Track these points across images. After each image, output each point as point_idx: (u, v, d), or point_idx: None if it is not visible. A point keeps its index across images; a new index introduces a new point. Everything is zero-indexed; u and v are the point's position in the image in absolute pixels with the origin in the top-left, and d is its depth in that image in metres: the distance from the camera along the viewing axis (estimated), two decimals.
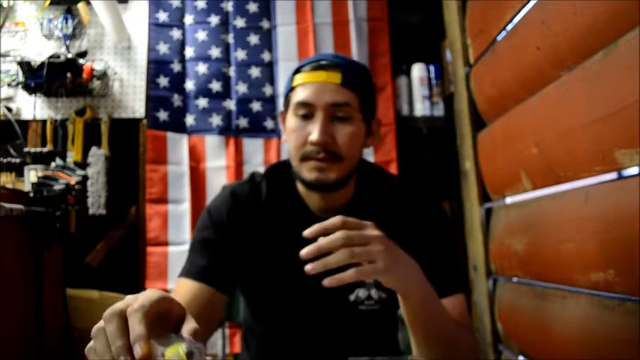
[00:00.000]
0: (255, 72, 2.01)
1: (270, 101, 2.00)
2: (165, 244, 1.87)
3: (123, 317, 0.45)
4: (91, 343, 0.46)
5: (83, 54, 1.95)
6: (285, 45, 2.04)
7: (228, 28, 2.05)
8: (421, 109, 1.97)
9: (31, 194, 1.61)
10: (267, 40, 2.05)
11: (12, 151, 1.87)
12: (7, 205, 1.34)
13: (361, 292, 0.87)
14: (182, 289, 0.82)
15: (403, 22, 2.09)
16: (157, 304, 0.47)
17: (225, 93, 2.00)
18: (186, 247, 1.81)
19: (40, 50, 1.95)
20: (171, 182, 1.91)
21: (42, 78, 1.83)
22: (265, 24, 2.06)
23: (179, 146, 1.94)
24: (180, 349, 0.44)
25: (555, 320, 1.16)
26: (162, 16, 2.03)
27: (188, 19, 2.04)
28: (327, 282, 0.61)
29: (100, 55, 2.00)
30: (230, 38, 2.04)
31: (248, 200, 0.90)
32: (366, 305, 0.87)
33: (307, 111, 0.82)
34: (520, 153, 1.32)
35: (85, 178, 1.82)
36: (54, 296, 1.68)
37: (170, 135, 1.94)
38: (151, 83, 1.98)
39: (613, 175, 0.99)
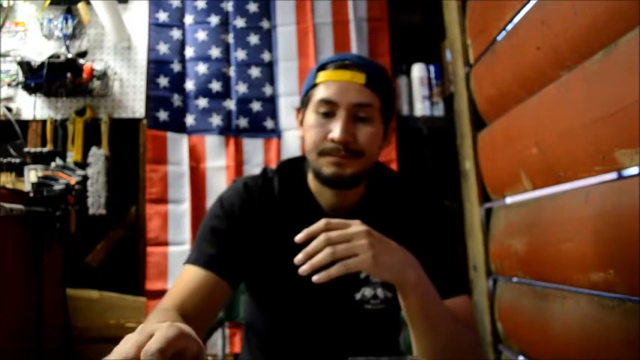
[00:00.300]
0: (255, 72, 2.01)
1: (270, 101, 2.01)
2: (165, 244, 1.87)
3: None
4: None
5: (83, 54, 1.95)
6: (285, 45, 2.04)
7: (228, 28, 2.05)
8: (421, 109, 1.97)
9: (31, 194, 1.61)
10: (267, 40, 2.05)
11: (12, 151, 1.87)
12: (7, 205, 1.35)
13: (367, 291, 0.87)
14: (188, 276, 0.82)
15: (403, 22, 2.09)
16: (175, 344, 0.44)
17: (225, 93, 2.00)
18: (187, 247, 1.84)
19: (40, 50, 1.96)
20: (171, 182, 1.91)
21: (42, 78, 1.83)
22: (265, 24, 2.06)
23: (179, 146, 1.94)
24: None
25: (555, 320, 1.16)
26: (163, 16, 2.03)
27: (188, 19, 2.04)
28: (315, 278, 0.64)
29: (100, 55, 2.00)
30: (230, 38, 2.04)
31: (261, 194, 0.90)
32: (372, 304, 0.87)
33: (329, 109, 0.82)
34: (520, 153, 1.32)
35: (85, 178, 1.82)
36: (54, 296, 1.68)
37: (170, 135, 1.94)
38: (151, 83, 1.98)
39: (613, 175, 0.99)
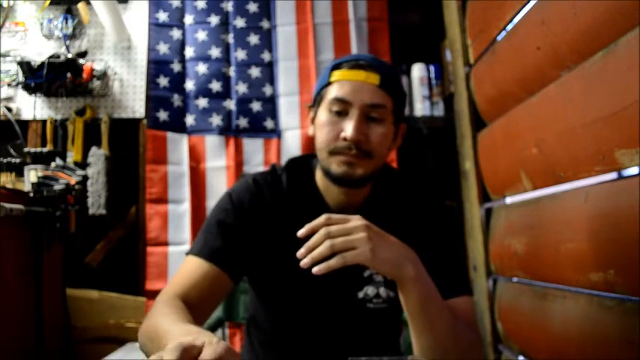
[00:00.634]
0: (255, 72, 2.01)
1: (270, 101, 2.01)
2: (165, 244, 1.86)
3: None
4: None
5: (83, 54, 1.96)
6: (285, 45, 2.04)
7: (228, 28, 2.05)
8: (421, 109, 1.97)
9: (31, 194, 1.61)
10: (267, 40, 2.05)
11: (12, 151, 1.87)
12: (7, 205, 1.35)
13: (370, 290, 0.87)
14: (190, 266, 0.82)
15: (403, 22, 2.09)
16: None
17: (225, 93, 2.00)
18: (187, 247, 1.84)
19: (40, 50, 1.96)
20: (171, 182, 1.91)
21: (42, 78, 1.83)
22: (265, 24, 2.06)
23: (179, 146, 1.94)
24: None
25: (555, 320, 1.16)
26: (162, 16, 2.03)
27: (188, 19, 2.04)
28: (315, 269, 0.65)
29: (100, 55, 2.00)
30: (230, 38, 2.04)
31: (269, 190, 0.91)
32: (374, 303, 0.87)
33: (342, 108, 0.82)
34: (520, 153, 1.32)
35: (85, 178, 1.82)
36: (54, 296, 1.68)
37: (170, 135, 1.94)
38: (151, 83, 1.98)
39: (613, 175, 0.99)
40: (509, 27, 1.38)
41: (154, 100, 1.96)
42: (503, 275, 1.52)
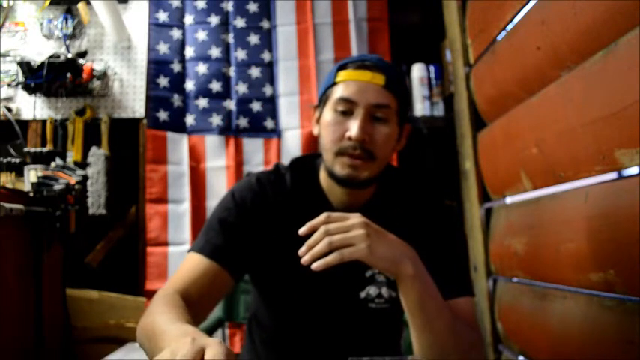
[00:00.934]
0: (255, 72, 2.01)
1: (270, 101, 2.01)
2: (165, 244, 1.86)
3: None
4: None
5: (83, 54, 1.96)
6: (285, 45, 2.04)
7: (228, 28, 2.05)
8: (421, 109, 1.97)
9: (31, 194, 1.61)
10: (267, 40, 2.05)
11: (12, 151, 1.87)
12: (7, 205, 1.35)
13: (372, 290, 0.88)
14: (191, 263, 0.83)
15: (403, 22, 2.09)
16: None
17: (225, 93, 2.00)
18: (187, 247, 1.84)
19: (40, 50, 1.96)
20: (171, 182, 1.91)
21: (42, 78, 1.83)
22: (265, 24, 2.06)
23: (179, 146, 1.94)
24: None
25: (555, 320, 1.16)
26: (162, 16, 2.03)
27: (188, 19, 2.04)
28: (314, 265, 0.66)
29: (100, 55, 2.00)
30: (230, 38, 2.04)
31: (273, 189, 0.91)
32: (376, 303, 0.88)
33: (348, 107, 0.83)
34: (520, 153, 1.32)
35: (85, 178, 1.82)
36: (54, 296, 1.68)
37: (170, 135, 1.94)
38: (151, 83, 1.98)
39: (613, 175, 0.99)
40: (509, 27, 1.38)
41: (154, 100, 1.96)
42: (503, 275, 1.52)
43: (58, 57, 1.86)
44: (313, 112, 0.92)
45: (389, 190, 0.92)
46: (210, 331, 1.22)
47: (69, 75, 1.85)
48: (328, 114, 0.85)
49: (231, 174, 1.92)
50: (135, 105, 1.97)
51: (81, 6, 1.97)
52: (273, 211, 0.90)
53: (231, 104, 2.00)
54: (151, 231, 1.86)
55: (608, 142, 0.93)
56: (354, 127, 0.80)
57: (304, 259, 0.67)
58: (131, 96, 1.98)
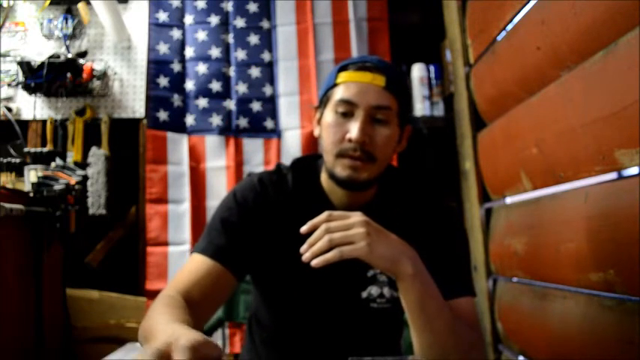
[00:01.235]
0: (255, 72, 2.01)
1: (270, 101, 2.00)
2: (165, 244, 1.86)
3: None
4: None
5: (83, 54, 1.96)
6: (285, 45, 2.04)
7: (228, 28, 2.05)
8: (421, 109, 1.97)
9: (31, 194, 1.61)
10: (267, 40, 2.05)
11: (12, 151, 1.87)
12: (7, 205, 1.35)
13: (374, 290, 0.88)
14: (195, 264, 0.83)
15: (403, 22, 2.09)
16: (201, 348, 0.49)
17: (225, 93, 2.00)
18: (187, 247, 1.84)
19: (40, 50, 1.96)
20: (171, 182, 1.91)
21: (42, 78, 1.83)
22: (265, 24, 2.06)
23: (179, 146, 1.94)
24: None
25: (555, 320, 1.16)
26: (162, 16, 2.03)
27: (188, 19, 2.04)
28: (314, 262, 0.67)
29: (100, 55, 2.00)
30: (230, 38, 2.04)
31: (274, 189, 0.91)
32: (378, 303, 0.88)
33: (348, 109, 0.83)
34: (520, 153, 1.32)
35: (85, 178, 1.82)
36: (54, 296, 1.68)
37: (170, 135, 1.94)
38: (151, 83, 1.98)
39: (613, 175, 0.99)
40: (509, 27, 1.38)
41: (154, 100, 1.96)
42: (504, 275, 1.52)
43: (58, 57, 1.86)
44: (314, 113, 0.92)
45: (390, 190, 0.92)
46: (210, 331, 1.22)
47: (69, 75, 1.85)
48: (329, 115, 0.85)
49: (231, 174, 1.92)
50: (135, 105, 1.97)
51: (81, 6, 1.97)
52: (275, 211, 0.90)
53: (231, 104, 2.00)
54: (151, 231, 1.86)
55: (608, 142, 0.93)
56: (354, 129, 0.80)
57: (305, 257, 0.68)
58: (131, 96, 1.98)
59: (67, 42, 1.96)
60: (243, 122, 1.98)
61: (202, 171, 1.94)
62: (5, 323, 1.37)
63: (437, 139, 1.95)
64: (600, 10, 0.94)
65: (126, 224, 1.93)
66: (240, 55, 2.02)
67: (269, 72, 2.02)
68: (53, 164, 1.80)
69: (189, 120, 1.97)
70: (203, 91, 1.98)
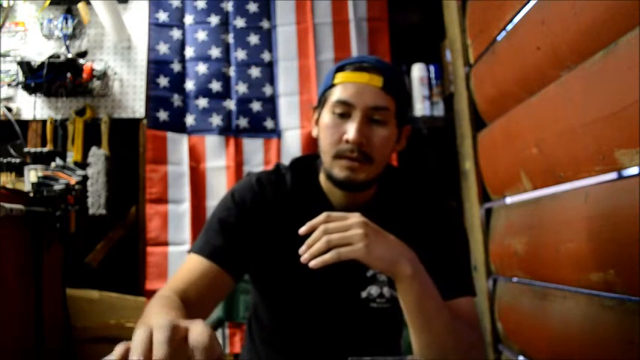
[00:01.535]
0: (255, 72, 2.01)
1: (270, 101, 2.00)
2: (165, 244, 1.86)
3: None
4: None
5: (83, 54, 1.95)
6: (285, 45, 2.04)
7: (228, 28, 2.05)
8: (421, 109, 1.97)
9: (31, 194, 1.61)
10: (267, 40, 2.05)
11: (12, 151, 1.87)
12: (7, 205, 1.35)
13: (373, 290, 0.88)
14: (191, 264, 0.83)
15: (403, 22, 2.09)
16: (212, 345, 0.48)
17: (225, 93, 2.00)
18: (187, 247, 1.84)
19: (40, 50, 1.96)
20: (171, 182, 1.91)
21: (42, 78, 1.83)
22: (265, 24, 2.06)
23: (179, 146, 1.94)
24: None
25: (555, 320, 1.16)
26: (162, 16, 2.03)
27: (188, 19, 2.04)
28: (312, 263, 0.67)
29: (100, 55, 2.00)
30: (230, 38, 2.04)
31: (273, 189, 0.91)
32: (378, 303, 0.88)
33: (345, 110, 0.83)
34: (520, 153, 1.32)
35: (85, 178, 1.82)
36: (54, 296, 1.68)
37: (170, 135, 1.94)
38: (151, 83, 1.98)
39: (613, 175, 0.99)
40: (509, 27, 1.38)
41: (154, 100, 1.96)
42: (504, 275, 1.52)
43: (58, 57, 1.86)
44: (312, 113, 0.92)
45: (389, 190, 0.92)
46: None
47: (69, 75, 1.85)
48: (326, 116, 0.85)
49: (231, 174, 1.92)
50: (135, 105, 1.97)
51: (81, 6, 1.97)
52: (274, 211, 0.90)
53: (231, 104, 2.00)
54: (151, 231, 1.86)
55: (608, 142, 0.93)
56: (351, 130, 0.80)
57: (303, 258, 0.68)
58: (131, 96, 1.98)
59: (67, 42, 1.96)
60: (243, 122, 1.98)
61: (202, 171, 1.94)
62: (5, 323, 1.37)
63: (437, 139, 1.95)
64: (600, 10, 0.94)
65: (126, 224, 1.93)
66: (240, 55, 2.02)
67: (269, 72, 2.02)
68: (53, 164, 1.80)
69: (189, 120, 1.97)
70: (203, 91, 1.98)
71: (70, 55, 1.88)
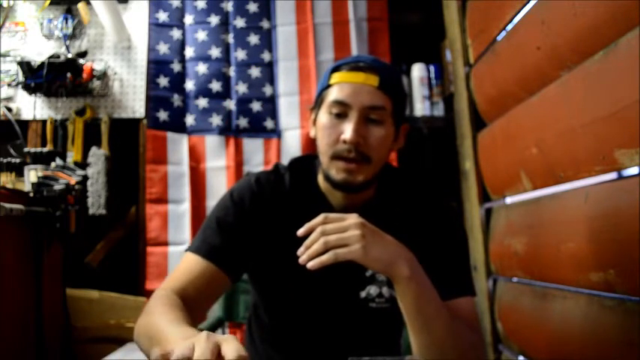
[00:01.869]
0: (255, 72, 2.01)
1: (270, 101, 2.00)
2: (165, 244, 1.87)
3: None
4: None
5: (83, 54, 1.95)
6: (285, 45, 2.04)
7: (228, 28, 2.05)
8: (421, 109, 1.97)
9: (31, 194, 1.61)
10: (267, 40, 2.05)
11: (12, 151, 1.87)
12: (7, 205, 1.35)
13: (372, 290, 0.88)
14: (188, 263, 0.83)
15: (403, 22, 2.09)
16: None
17: (225, 93, 2.00)
18: (186, 247, 1.84)
19: (40, 50, 1.96)
20: (171, 182, 1.91)
21: (42, 78, 1.83)
22: (265, 24, 2.06)
23: (179, 146, 1.94)
24: None
25: (555, 320, 1.16)
26: (162, 16, 2.03)
27: (188, 19, 2.04)
28: (310, 264, 0.67)
29: (100, 55, 2.00)
30: (230, 38, 2.04)
31: (272, 189, 0.91)
32: (377, 303, 0.88)
33: (342, 110, 0.83)
34: (520, 153, 1.32)
35: (85, 178, 1.82)
36: (54, 296, 1.68)
37: (170, 135, 1.94)
38: (151, 83, 1.98)
39: (613, 175, 0.99)
40: (509, 27, 1.38)
41: (154, 100, 1.96)
42: (504, 275, 1.52)
43: (58, 57, 1.86)
44: (310, 114, 0.92)
45: (389, 190, 0.92)
46: (210, 331, 1.21)
47: (69, 75, 1.85)
48: (323, 117, 0.85)
49: (231, 174, 1.92)
50: (135, 105, 1.97)
51: (81, 6, 1.97)
52: (272, 211, 0.90)
53: (231, 104, 2.00)
54: (151, 231, 1.86)
55: (608, 142, 0.93)
56: (348, 130, 0.80)
57: (301, 259, 0.68)
58: (131, 96, 1.98)
59: (67, 42, 1.96)
60: (243, 122, 1.98)
61: (202, 171, 1.94)
62: (5, 323, 1.37)
63: (437, 139, 1.95)
64: (600, 10, 0.94)
65: (126, 224, 1.93)
66: (240, 55, 2.02)
67: (269, 72, 2.02)
68: (53, 164, 1.80)
69: (189, 120, 1.97)
70: (203, 91, 1.98)
71: (70, 55, 1.88)
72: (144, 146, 1.93)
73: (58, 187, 1.66)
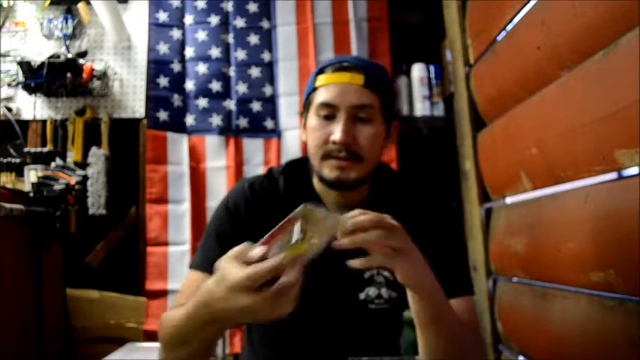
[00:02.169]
0: (255, 72, 2.01)
1: (270, 101, 2.00)
2: (165, 244, 1.86)
3: None
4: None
5: (83, 54, 1.95)
6: (285, 45, 2.04)
7: (228, 28, 2.05)
8: (421, 109, 1.97)
9: (31, 194, 1.61)
10: (267, 40, 2.05)
11: (12, 151, 1.87)
12: (7, 205, 1.35)
13: (372, 291, 0.88)
14: (193, 281, 0.83)
15: (403, 22, 2.09)
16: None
17: (225, 93, 2.00)
18: (187, 247, 1.85)
19: (40, 50, 1.95)
20: (171, 182, 1.91)
21: (42, 78, 1.83)
22: (265, 24, 2.06)
23: (179, 146, 1.94)
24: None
25: (555, 320, 1.16)
26: (162, 16, 2.03)
27: (188, 19, 2.04)
28: (353, 263, 0.63)
29: (100, 55, 2.00)
30: (230, 38, 2.04)
31: (266, 194, 0.91)
32: (376, 304, 0.88)
33: (330, 112, 0.83)
34: (520, 153, 1.32)
35: (85, 178, 1.82)
36: (54, 296, 1.68)
37: (170, 135, 1.94)
38: (151, 83, 1.98)
39: (613, 175, 0.99)
40: (509, 27, 1.38)
41: (154, 100, 1.96)
42: (504, 275, 1.52)
43: (58, 57, 1.86)
44: (300, 118, 0.92)
45: (383, 188, 0.92)
46: None
47: (69, 75, 1.85)
48: (312, 120, 0.85)
49: (231, 174, 1.92)
50: (135, 105, 1.97)
51: (81, 6, 1.97)
52: (268, 216, 0.89)
53: (231, 104, 2.00)
54: (151, 231, 1.86)
55: (608, 142, 0.93)
56: (337, 131, 0.80)
57: (342, 243, 0.63)
58: (131, 96, 1.98)
59: (67, 42, 1.96)
60: (243, 122, 1.98)
61: (202, 171, 1.94)
62: (5, 323, 1.37)
63: (437, 139, 1.95)
64: (600, 10, 0.94)
65: (126, 224, 1.93)
66: (240, 55, 2.02)
67: (269, 72, 2.02)
68: (53, 164, 1.80)
69: (189, 120, 1.97)
70: (203, 91, 1.98)
71: (70, 55, 1.88)
72: (144, 146, 1.93)
73: (58, 187, 1.66)
